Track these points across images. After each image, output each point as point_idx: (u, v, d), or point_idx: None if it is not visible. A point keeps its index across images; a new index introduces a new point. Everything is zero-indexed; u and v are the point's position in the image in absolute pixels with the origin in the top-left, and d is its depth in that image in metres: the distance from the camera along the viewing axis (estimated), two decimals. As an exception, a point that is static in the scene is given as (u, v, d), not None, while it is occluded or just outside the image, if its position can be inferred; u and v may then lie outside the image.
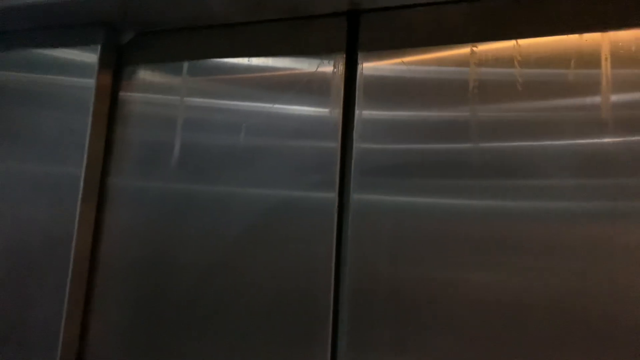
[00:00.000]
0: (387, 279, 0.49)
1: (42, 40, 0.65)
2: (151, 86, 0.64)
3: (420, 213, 0.50)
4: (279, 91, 0.56)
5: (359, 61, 0.54)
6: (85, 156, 0.62)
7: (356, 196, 0.52)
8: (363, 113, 0.53)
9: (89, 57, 0.64)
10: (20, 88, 0.66)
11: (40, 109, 0.64)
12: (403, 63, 0.53)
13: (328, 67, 0.55)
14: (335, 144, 0.53)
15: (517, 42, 0.50)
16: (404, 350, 0.47)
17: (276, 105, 0.57)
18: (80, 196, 0.61)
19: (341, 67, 0.54)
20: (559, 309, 0.44)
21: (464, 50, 0.51)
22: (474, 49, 0.51)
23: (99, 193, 0.63)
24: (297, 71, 0.56)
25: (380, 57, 0.53)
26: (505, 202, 0.48)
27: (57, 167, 0.62)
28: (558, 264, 0.45)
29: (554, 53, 0.48)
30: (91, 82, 0.63)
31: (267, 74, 0.57)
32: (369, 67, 0.54)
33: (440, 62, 0.52)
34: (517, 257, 0.46)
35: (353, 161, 0.52)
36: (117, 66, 0.66)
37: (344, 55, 0.55)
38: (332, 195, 0.52)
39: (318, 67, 0.55)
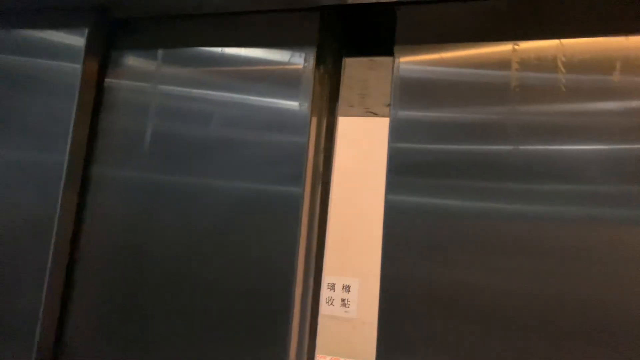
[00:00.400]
0: (420, 281, 0.48)
1: (27, 22, 0.65)
2: (138, 73, 0.64)
3: (457, 215, 0.49)
4: (254, 83, 0.56)
5: (396, 55, 0.52)
6: (69, 143, 0.61)
7: (390, 197, 0.50)
8: (398, 111, 0.51)
9: (76, 40, 0.63)
10: (3, 70, 0.65)
11: (23, 93, 0.64)
12: (441, 60, 0.51)
13: (299, 62, 0.55)
14: (304, 139, 0.53)
15: (560, 42, 0.48)
16: (435, 353, 0.47)
17: (251, 97, 0.56)
18: (62, 184, 0.60)
19: (312, 62, 0.54)
20: (599, 315, 0.43)
21: (505, 48, 0.49)
22: (516, 47, 0.49)
23: (82, 181, 0.63)
24: (271, 65, 0.56)
25: (416, 54, 0.52)
26: (545, 206, 0.46)
27: (40, 154, 0.62)
28: (600, 270, 0.44)
29: (599, 54, 0.47)
30: (77, 67, 0.62)
31: (250, 67, 0.57)
32: (404, 63, 0.52)
33: (480, 59, 0.50)
34: (556, 263, 0.45)
35: (387, 161, 0.51)
36: (104, 51, 0.65)
37: (315, 50, 0.54)
38: (299, 190, 0.52)
39: (290, 60, 0.55)
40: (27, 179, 0.62)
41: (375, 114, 0.91)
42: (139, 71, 0.63)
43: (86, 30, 0.63)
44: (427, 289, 0.48)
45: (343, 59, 0.61)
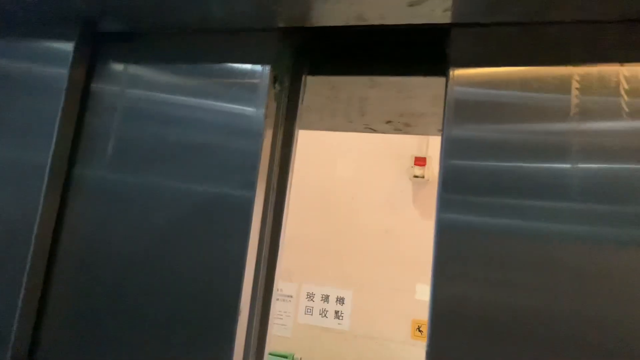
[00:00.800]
0: (474, 304, 0.47)
1: (20, 31, 0.68)
2: (124, 80, 0.67)
3: (512, 235, 0.47)
4: (218, 95, 0.60)
5: (450, 76, 0.52)
6: (53, 145, 0.63)
7: (443, 215, 0.50)
8: (452, 130, 0.51)
9: (65, 49, 0.66)
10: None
11: (9, 97, 0.67)
12: (496, 82, 0.51)
13: (257, 79, 0.58)
14: (257, 150, 0.56)
15: (622, 66, 0.48)
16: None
17: (214, 108, 0.60)
18: (45, 186, 0.61)
19: (267, 79, 0.57)
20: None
21: (564, 71, 0.49)
22: (576, 70, 0.49)
23: (64, 183, 0.64)
24: (234, 78, 0.60)
25: (471, 75, 0.52)
26: (611, 228, 0.45)
27: (23, 156, 0.63)
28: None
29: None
30: (64, 72, 0.65)
31: (218, 79, 0.61)
32: (458, 84, 0.52)
33: (539, 82, 0.50)
34: (620, 286, 0.44)
35: (440, 179, 0.50)
36: (91, 59, 0.68)
37: (270, 68, 0.58)
38: (251, 194, 0.55)
39: (248, 77, 0.59)
40: (9, 179, 0.64)
41: (374, 130, 0.94)
42: (121, 78, 0.67)
43: (74, 41, 0.66)
44: (480, 311, 0.46)
45: (304, 77, 0.64)
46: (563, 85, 0.49)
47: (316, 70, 0.65)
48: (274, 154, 0.58)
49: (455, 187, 0.50)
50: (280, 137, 0.60)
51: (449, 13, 0.51)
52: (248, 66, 0.59)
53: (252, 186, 0.55)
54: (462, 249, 0.48)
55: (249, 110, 0.57)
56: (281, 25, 0.57)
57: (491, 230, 0.48)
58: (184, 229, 0.56)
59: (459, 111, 0.51)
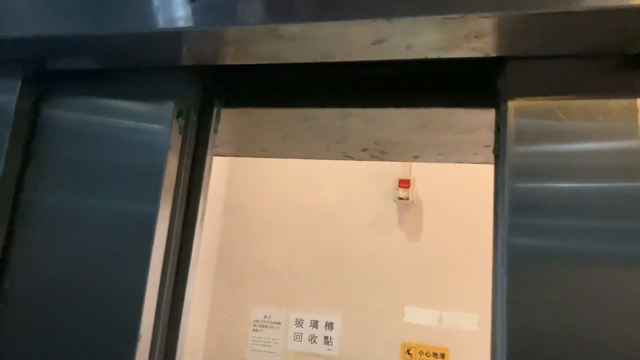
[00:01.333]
0: (554, 339, 0.44)
1: None
2: (68, 109, 0.71)
3: (594, 261, 0.45)
4: (133, 128, 0.65)
5: (508, 107, 0.53)
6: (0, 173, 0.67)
7: (513, 240, 0.48)
8: (515, 158, 0.51)
9: (12, 83, 0.71)
10: None
11: None
12: (556, 109, 0.51)
13: (165, 112, 0.64)
14: (161, 171, 0.60)
15: None
16: None
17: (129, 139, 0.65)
18: None
19: (172, 113, 0.63)
20: None
21: (629, 102, 0.49)
22: None
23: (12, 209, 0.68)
24: (146, 109, 0.66)
25: (530, 105, 0.52)
26: None
27: None
28: None
29: None
30: (12, 102, 0.69)
31: (135, 111, 0.66)
32: (517, 114, 0.53)
33: (603, 112, 0.50)
34: None
35: (508, 205, 0.49)
36: (39, 91, 0.72)
37: (173, 103, 0.64)
38: (154, 212, 0.59)
39: (158, 110, 0.65)
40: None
41: (351, 158, 0.99)
42: (65, 106, 0.71)
43: (21, 77, 0.71)
44: (562, 351, 0.44)
45: (216, 109, 0.69)
46: (629, 114, 0.49)
47: (245, 103, 0.71)
48: (180, 178, 0.63)
49: (525, 212, 0.49)
50: (188, 163, 0.65)
51: (413, 50, 0.53)
52: (156, 101, 0.65)
53: (155, 205, 0.59)
54: (536, 275, 0.46)
55: (156, 141, 0.62)
56: (187, 64, 0.62)
57: (567, 254, 0.46)
58: (99, 250, 0.60)
59: (521, 140, 0.51)
